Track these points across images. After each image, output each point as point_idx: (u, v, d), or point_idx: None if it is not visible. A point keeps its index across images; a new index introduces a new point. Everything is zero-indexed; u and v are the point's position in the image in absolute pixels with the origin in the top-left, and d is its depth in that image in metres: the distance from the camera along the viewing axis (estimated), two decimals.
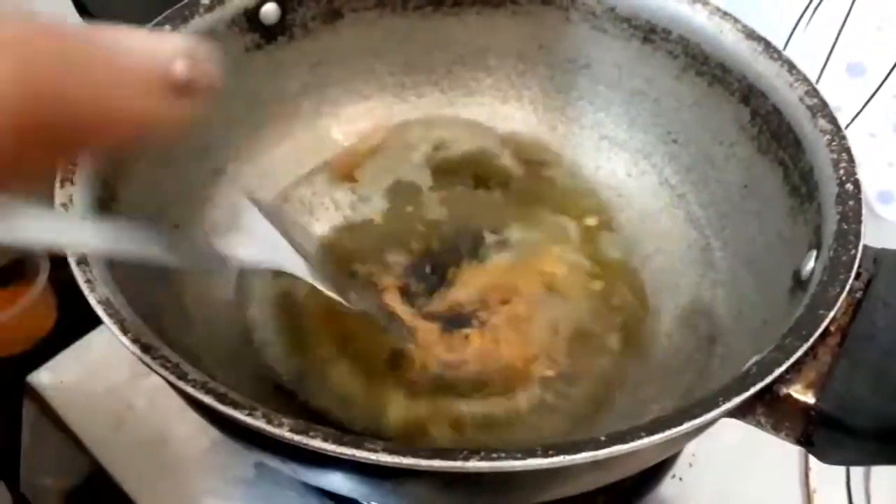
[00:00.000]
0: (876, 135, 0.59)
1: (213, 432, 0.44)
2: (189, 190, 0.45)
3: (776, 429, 0.33)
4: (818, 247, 0.35)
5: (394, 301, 0.44)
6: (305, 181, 0.49)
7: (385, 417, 0.40)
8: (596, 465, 0.28)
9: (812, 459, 0.47)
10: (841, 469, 0.47)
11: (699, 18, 0.44)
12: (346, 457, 0.26)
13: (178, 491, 0.44)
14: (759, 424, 0.33)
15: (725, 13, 0.43)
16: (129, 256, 0.27)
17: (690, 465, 0.46)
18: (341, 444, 0.26)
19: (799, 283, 0.36)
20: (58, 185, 0.34)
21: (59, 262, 0.57)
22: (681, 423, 0.28)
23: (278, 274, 0.37)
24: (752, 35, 0.42)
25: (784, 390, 0.31)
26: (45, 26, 0.18)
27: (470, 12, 0.49)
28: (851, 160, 0.36)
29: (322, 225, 0.48)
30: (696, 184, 0.47)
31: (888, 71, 0.57)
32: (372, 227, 0.48)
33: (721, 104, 0.44)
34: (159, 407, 0.47)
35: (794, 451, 0.47)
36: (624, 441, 0.27)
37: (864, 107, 0.58)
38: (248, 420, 0.27)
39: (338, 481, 0.32)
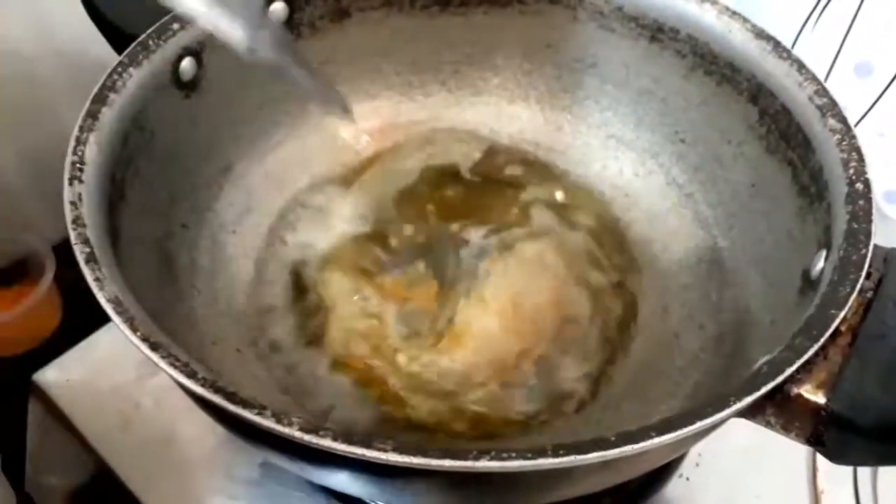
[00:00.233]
0: (884, 134, 0.59)
1: (219, 431, 0.44)
2: (196, 188, 0.45)
3: (786, 429, 0.32)
4: (828, 246, 0.35)
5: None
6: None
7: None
8: (605, 465, 0.28)
9: (820, 459, 0.47)
10: (848, 469, 0.47)
11: (708, 18, 0.44)
12: (355, 456, 0.26)
13: (184, 490, 0.44)
14: (768, 424, 0.33)
15: (734, 12, 0.43)
16: None
17: (697, 464, 0.46)
18: (351, 443, 0.26)
19: (809, 283, 0.35)
20: (66, 183, 0.34)
21: (64, 262, 0.57)
22: (691, 423, 0.28)
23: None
24: (761, 34, 0.42)
25: (794, 390, 0.31)
26: None
27: (477, 12, 0.49)
28: (861, 160, 0.36)
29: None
30: (703, 183, 0.47)
31: None
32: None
33: (729, 103, 0.44)
34: (165, 406, 0.46)
35: (801, 450, 0.47)
36: (634, 441, 0.27)
37: (871, 106, 0.58)
38: (258, 419, 0.27)
39: (346, 481, 0.32)
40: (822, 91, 0.39)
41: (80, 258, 0.32)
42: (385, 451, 0.26)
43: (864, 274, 0.32)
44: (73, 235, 0.32)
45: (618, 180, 0.50)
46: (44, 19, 0.59)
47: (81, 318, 0.45)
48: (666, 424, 0.28)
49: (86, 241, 0.32)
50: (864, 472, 0.47)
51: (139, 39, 0.39)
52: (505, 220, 0.48)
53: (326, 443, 0.26)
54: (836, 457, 0.33)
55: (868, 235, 0.34)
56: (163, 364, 0.29)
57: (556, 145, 0.51)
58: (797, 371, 0.30)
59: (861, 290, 0.32)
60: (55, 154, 0.36)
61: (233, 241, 0.46)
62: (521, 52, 0.51)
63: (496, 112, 0.52)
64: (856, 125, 0.58)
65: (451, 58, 0.51)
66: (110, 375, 0.48)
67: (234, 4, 0.31)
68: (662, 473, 0.46)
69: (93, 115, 0.36)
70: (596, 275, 0.46)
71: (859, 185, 0.35)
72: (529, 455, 0.27)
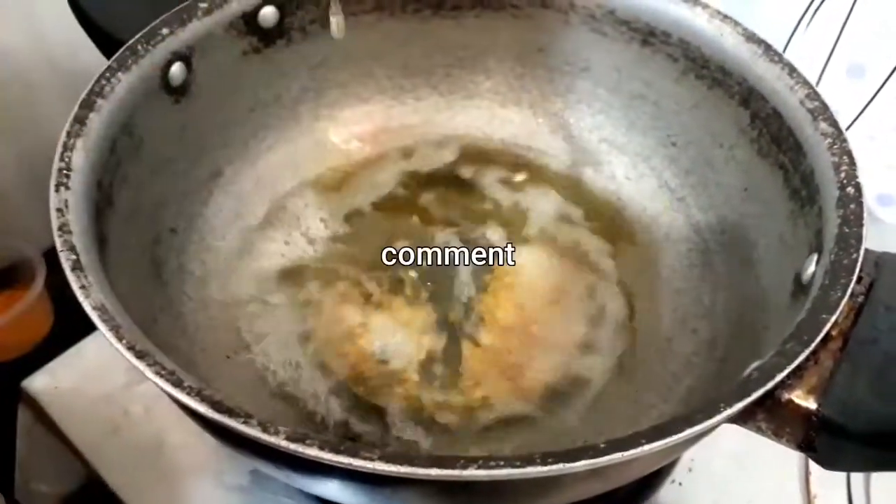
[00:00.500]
0: (875, 137, 0.59)
1: (208, 439, 0.43)
2: (186, 193, 0.44)
3: (777, 434, 0.32)
4: (819, 250, 0.35)
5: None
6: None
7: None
8: (594, 472, 0.28)
9: (812, 464, 0.46)
10: (841, 474, 0.46)
11: (699, 21, 0.43)
12: (342, 465, 0.26)
13: (174, 497, 0.44)
14: (759, 430, 0.32)
15: (725, 16, 0.43)
16: None
17: (690, 469, 0.46)
18: (337, 452, 0.26)
19: (800, 287, 0.35)
20: (52, 189, 0.34)
21: (55, 268, 0.57)
22: (682, 430, 0.28)
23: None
24: (752, 38, 0.42)
25: (785, 396, 0.31)
26: None
27: (469, 15, 0.49)
28: (853, 163, 0.36)
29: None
30: (695, 187, 0.47)
31: (888, 73, 0.57)
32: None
33: (721, 107, 0.44)
34: (155, 413, 0.46)
35: (794, 455, 0.46)
36: (623, 448, 0.27)
37: (863, 109, 0.58)
38: (244, 428, 0.27)
39: (334, 489, 0.32)
40: (814, 95, 0.39)
41: (66, 265, 0.31)
42: (371, 460, 0.26)
43: (855, 278, 0.32)
44: (58, 242, 0.32)
45: (609, 184, 0.50)
46: (35, 26, 0.59)
47: (72, 324, 0.44)
48: (656, 431, 0.28)
49: (72, 249, 0.32)
50: (858, 476, 0.47)
51: (128, 44, 0.39)
52: (494, 224, 0.48)
53: (313, 452, 0.26)
54: (827, 463, 0.32)
55: (859, 239, 0.33)
56: (148, 372, 0.29)
57: (548, 149, 0.51)
58: (788, 376, 0.30)
59: (852, 295, 0.32)
60: (46, 160, 0.35)
61: (223, 247, 0.45)
62: (513, 56, 0.51)
63: (488, 116, 0.52)
64: (848, 128, 0.58)
65: (443, 61, 0.51)
66: (100, 382, 0.48)
67: None
68: (655, 479, 0.45)
69: (80, 120, 0.36)
70: (588, 278, 0.46)
71: (850, 189, 0.35)
72: (518, 463, 0.26)
